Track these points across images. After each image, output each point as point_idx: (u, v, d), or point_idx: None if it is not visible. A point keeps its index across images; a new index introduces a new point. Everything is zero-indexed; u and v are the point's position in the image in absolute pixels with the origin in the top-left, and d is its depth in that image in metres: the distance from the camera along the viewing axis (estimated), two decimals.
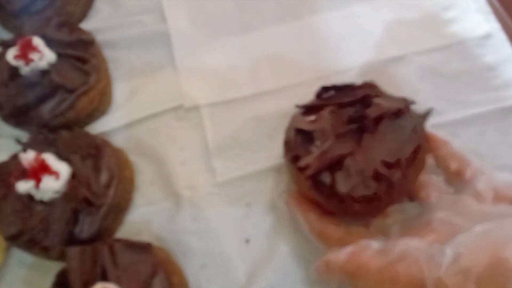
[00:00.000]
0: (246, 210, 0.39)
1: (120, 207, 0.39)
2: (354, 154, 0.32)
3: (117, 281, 0.31)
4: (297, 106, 0.37)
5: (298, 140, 0.34)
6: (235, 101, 0.44)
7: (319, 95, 0.37)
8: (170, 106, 0.44)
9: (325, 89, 0.37)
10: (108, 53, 0.47)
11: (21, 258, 0.38)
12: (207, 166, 0.41)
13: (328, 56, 0.46)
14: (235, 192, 0.40)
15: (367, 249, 0.29)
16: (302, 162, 0.33)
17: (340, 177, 0.32)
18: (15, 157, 0.38)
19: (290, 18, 0.49)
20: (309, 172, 0.32)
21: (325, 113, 0.35)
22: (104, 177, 0.37)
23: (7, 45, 0.41)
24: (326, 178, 0.32)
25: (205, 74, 0.46)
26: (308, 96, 0.37)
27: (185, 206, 0.39)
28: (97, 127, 0.44)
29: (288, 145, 0.35)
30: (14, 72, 0.41)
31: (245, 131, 0.42)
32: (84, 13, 0.50)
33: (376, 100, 0.34)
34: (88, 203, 0.36)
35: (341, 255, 0.29)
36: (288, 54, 0.47)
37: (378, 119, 0.33)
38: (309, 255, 0.37)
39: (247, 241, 0.38)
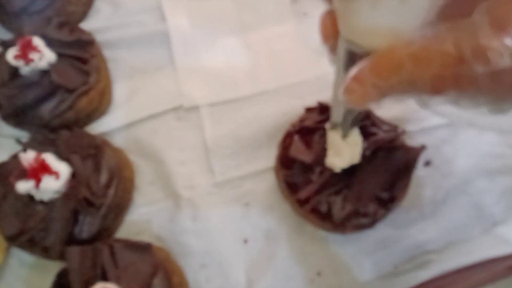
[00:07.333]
0: (244, 210, 0.39)
1: (120, 207, 0.39)
2: (350, 185, 0.34)
3: (117, 281, 0.31)
4: (292, 125, 0.38)
5: (296, 168, 0.36)
6: (235, 101, 0.44)
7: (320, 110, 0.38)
8: (169, 106, 0.44)
9: (322, 108, 0.38)
10: (108, 53, 0.47)
11: (21, 258, 0.38)
12: (207, 166, 0.41)
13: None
14: (234, 192, 0.40)
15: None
16: (302, 195, 0.35)
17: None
18: (15, 157, 0.38)
19: (290, 18, 0.49)
20: (308, 207, 0.35)
21: (321, 139, 0.36)
22: (104, 177, 0.37)
23: (7, 45, 0.41)
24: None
25: (204, 74, 0.46)
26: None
27: (184, 206, 0.39)
28: (97, 127, 0.44)
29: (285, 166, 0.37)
30: (14, 72, 0.41)
31: (244, 131, 0.42)
32: (84, 13, 0.50)
33: (372, 129, 0.36)
34: (88, 203, 0.36)
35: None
36: (288, 54, 0.47)
37: (375, 152, 0.35)
38: (308, 255, 0.37)
39: (245, 241, 0.38)
